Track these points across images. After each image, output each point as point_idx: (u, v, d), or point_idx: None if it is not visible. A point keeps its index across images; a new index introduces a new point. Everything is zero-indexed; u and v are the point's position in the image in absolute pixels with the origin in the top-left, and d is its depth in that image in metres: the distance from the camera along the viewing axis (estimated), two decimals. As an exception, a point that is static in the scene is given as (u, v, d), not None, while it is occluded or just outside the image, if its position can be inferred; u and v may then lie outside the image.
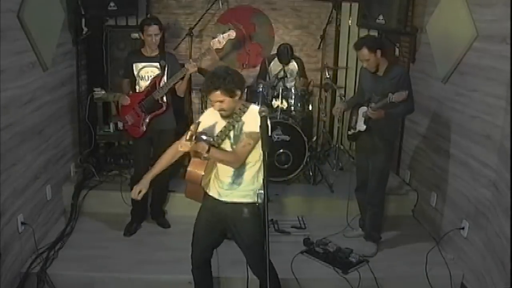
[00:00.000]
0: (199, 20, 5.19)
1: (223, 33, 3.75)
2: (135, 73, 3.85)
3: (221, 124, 2.70)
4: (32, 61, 3.62)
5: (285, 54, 4.98)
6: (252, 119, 2.61)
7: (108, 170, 4.73)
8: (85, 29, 4.60)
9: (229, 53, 5.58)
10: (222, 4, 5.30)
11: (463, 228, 3.60)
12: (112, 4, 4.48)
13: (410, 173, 4.79)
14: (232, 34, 3.74)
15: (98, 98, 4.63)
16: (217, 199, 2.77)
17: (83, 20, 4.56)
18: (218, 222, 2.83)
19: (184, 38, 5.14)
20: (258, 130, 2.51)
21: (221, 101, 2.56)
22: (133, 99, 3.87)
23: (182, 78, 3.75)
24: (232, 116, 2.66)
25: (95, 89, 4.63)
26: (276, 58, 5.12)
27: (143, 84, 3.85)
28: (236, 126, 2.66)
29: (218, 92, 2.53)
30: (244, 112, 2.67)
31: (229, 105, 2.60)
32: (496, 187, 3.18)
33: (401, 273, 3.61)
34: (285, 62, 5.03)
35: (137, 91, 3.88)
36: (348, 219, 4.13)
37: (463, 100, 3.71)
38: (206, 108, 5.20)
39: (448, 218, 3.90)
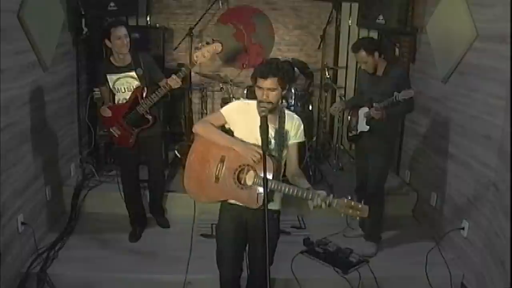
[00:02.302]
0: (199, 20, 5.19)
1: (207, 44, 3.43)
2: (110, 85, 3.65)
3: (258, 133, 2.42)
4: (32, 61, 3.61)
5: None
6: (294, 128, 2.55)
7: (108, 170, 4.73)
8: (85, 29, 4.59)
9: (229, 53, 5.57)
10: (222, 4, 5.29)
11: (463, 228, 3.60)
12: (112, 4, 4.47)
13: (410, 173, 4.79)
14: (218, 47, 3.38)
15: (98, 98, 4.63)
16: (243, 206, 2.55)
17: (83, 20, 4.55)
18: (242, 228, 2.67)
19: (184, 38, 5.14)
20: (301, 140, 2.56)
21: (272, 90, 2.41)
22: (116, 111, 3.67)
23: (166, 94, 3.56)
24: (278, 122, 2.49)
25: (95, 89, 4.62)
26: None
27: (121, 97, 3.67)
28: (284, 134, 2.49)
29: (275, 80, 2.39)
30: (285, 118, 2.52)
31: (277, 97, 2.45)
32: (496, 187, 3.18)
33: (401, 273, 3.61)
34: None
35: (116, 102, 3.71)
36: (348, 219, 4.12)
37: (463, 100, 3.71)
38: (206, 108, 5.20)
39: (448, 218, 3.90)
